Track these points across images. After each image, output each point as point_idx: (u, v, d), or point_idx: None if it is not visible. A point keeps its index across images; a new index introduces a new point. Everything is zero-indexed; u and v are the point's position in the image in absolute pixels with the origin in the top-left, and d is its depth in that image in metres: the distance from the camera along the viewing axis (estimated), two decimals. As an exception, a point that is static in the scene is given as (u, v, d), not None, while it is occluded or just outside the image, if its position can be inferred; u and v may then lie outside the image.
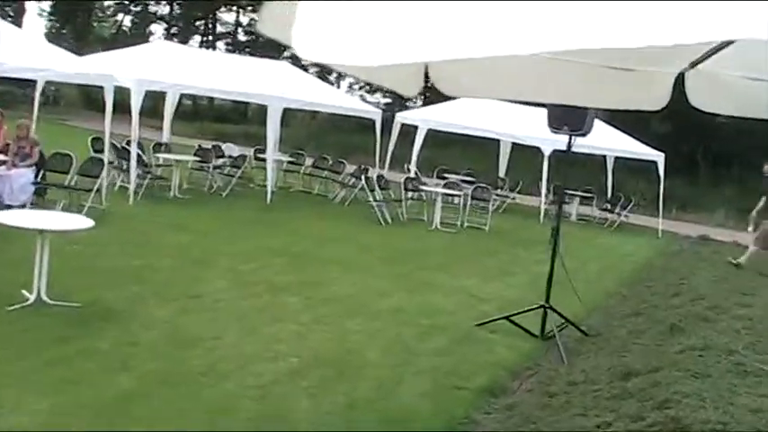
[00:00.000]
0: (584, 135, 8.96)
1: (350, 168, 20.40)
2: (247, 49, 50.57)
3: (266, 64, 21.61)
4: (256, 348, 7.49)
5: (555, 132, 9.11)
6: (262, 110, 26.49)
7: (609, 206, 22.72)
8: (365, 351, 7.92)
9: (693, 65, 4.62)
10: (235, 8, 51.95)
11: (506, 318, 9.20)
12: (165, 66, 17.07)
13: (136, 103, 15.21)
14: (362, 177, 17.53)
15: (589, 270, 14.24)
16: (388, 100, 46.04)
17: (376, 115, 20.55)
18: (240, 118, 46.06)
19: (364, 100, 48.26)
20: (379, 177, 17.81)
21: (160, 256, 10.86)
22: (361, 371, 7.30)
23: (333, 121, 39.76)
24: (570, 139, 9.13)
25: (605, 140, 21.84)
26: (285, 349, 7.57)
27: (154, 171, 17.41)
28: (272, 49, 46.23)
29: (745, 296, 11.53)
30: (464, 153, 30.96)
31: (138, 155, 15.72)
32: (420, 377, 7.33)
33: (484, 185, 18.76)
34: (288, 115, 33.62)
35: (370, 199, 16.75)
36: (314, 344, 7.91)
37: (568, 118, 8.88)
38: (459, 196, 18.48)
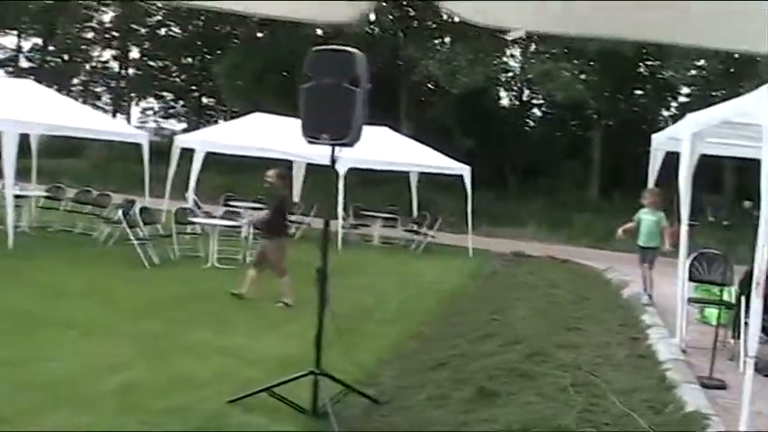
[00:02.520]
0: (349, 145, 6.76)
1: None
2: (32, 77, 46.57)
3: (7, 83, 18.59)
4: None
5: (312, 143, 6.87)
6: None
7: (414, 226, 20.86)
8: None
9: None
10: (15, 32, 47.65)
11: (266, 390, 6.87)
12: None
13: None
14: (121, 212, 14.80)
15: (388, 307, 12.21)
16: (185, 125, 43.18)
17: (142, 139, 17.94)
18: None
19: (159, 126, 45.57)
20: (143, 210, 15.11)
21: None
22: None
23: (121, 149, 36.59)
24: (333, 150, 6.89)
25: (406, 155, 20.19)
26: None
27: None
28: (59, 75, 43.22)
29: (570, 332, 9.60)
30: (257, 177, 28.64)
31: None
32: None
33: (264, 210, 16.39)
34: (77, 144, 31.03)
35: (131, 237, 14.07)
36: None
37: (328, 125, 6.69)
38: (239, 227, 15.97)
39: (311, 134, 6.82)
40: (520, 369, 7.64)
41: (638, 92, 35.76)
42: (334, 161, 7.02)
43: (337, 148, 6.98)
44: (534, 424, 5.96)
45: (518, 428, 5.88)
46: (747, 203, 6.12)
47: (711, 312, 10.03)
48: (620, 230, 12.80)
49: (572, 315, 10.70)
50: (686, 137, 9.06)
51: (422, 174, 23.48)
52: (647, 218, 12.19)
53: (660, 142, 11.73)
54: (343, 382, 7.09)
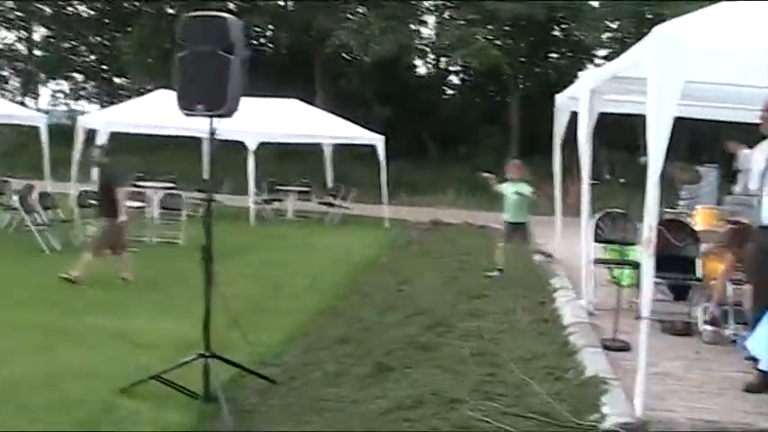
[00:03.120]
0: (226, 116, 6.40)
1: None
2: None
3: None
4: None
5: (189, 115, 6.46)
6: None
7: (329, 199, 20.53)
8: None
9: None
10: None
11: (157, 377, 6.52)
12: None
13: None
14: (18, 198, 14.22)
15: (298, 282, 11.87)
16: (97, 106, 41.99)
17: (39, 121, 17.33)
18: None
19: (70, 108, 44.24)
20: (43, 195, 14.54)
21: None
22: None
23: (30, 134, 35.49)
24: (211, 122, 6.53)
25: (317, 127, 19.85)
26: None
27: None
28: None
29: (476, 300, 9.41)
30: (175, 156, 28.12)
31: None
32: None
33: (175, 191, 15.96)
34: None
35: (29, 223, 13.52)
36: None
37: (203, 96, 6.32)
38: (142, 208, 15.47)
39: (186, 106, 6.44)
40: (420, 342, 7.42)
41: (554, 55, 35.80)
42: (213, 133, 6.61)
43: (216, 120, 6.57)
44: (426, 398, 5.72)
45: (409, 403, 5.63)
46: (643, 159, 5.93)
47: (622, 273, 9.88)
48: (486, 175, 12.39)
49: (480, 282, 10.51)
50: (583, 95, 8.88)
51: (338, 146, 23.21)
52: (510, 191, 11.79)
53: (562, 102, 11.57)
54: (236, 363, 6.77)
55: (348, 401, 6.09)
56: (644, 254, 5.67)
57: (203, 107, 6.38)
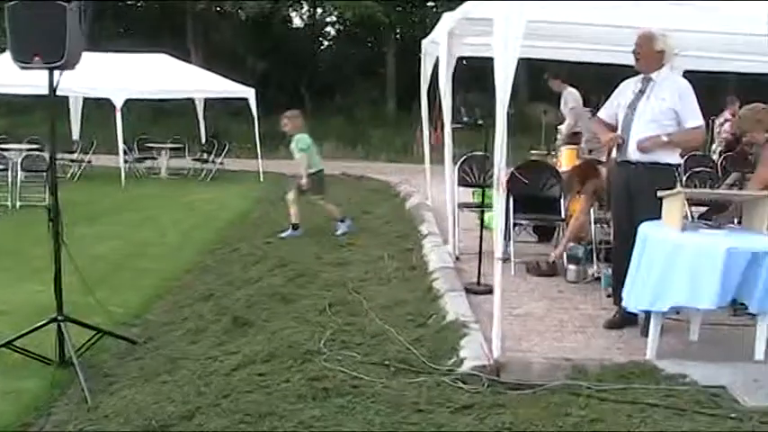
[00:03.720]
0: (66, 67, 6.04)
1: None
2: None
3: None
4: None
5: (24, 68, 6.07)
6: None
7: (204, 155, 20.13)
8: None
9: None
10: None
11: (7, 345, 6.21)
12: None
13: None
14: None
15: (166, 240, 11.59)
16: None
17: None
18: None
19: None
20: None
21: None
22: None
23: None
24: (51, 74, 6.17)
25: (187, 83, 19.38)
26: None
27: None
28: None
29: (342, 249, 9.31)
30: (43, 117, 27.06)
31: None
32: None
33: (36, 152, 15.35)
34: None
35: None
36: None
37: (39, 47, 5.96)
38: (3, 170, 14.84)
39: (21, 58, 6.05)
40: (281, 293, 7.26)
41: (431, 3, 35.74)
42: (54, 88, 6.24)
43: (57, 73, 6.21)
44: (281, 351, 5.59)
45: (263, 357, 5.49)
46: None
47: (491, 216, 9.86)
48: None
49: (349, 232, 10.39)
50: (442, 38, 8.79)
51: (212, 101, 22.75)
52: (291, 147, 11.58)
53: (427, 47, 11.44)
54: (92, 326, 6.49)
55: (204, 358, 5.92)
56: (495, 195, 5.60)
57: (40, 60, 6.00)
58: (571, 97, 11.39)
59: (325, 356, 5.53)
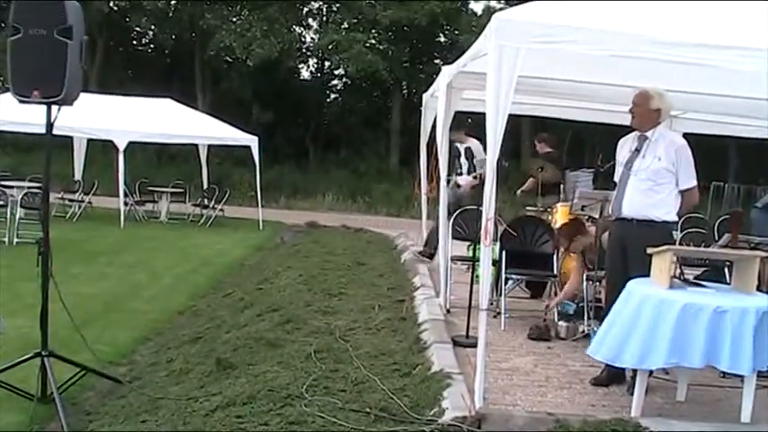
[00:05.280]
0: (65, 103, 6.09)
1: None
2: None
3: None
4: None
5: (23, 101, 6.12)
6: None
7: (204, 201, 20.19)
8: None
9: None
10: None
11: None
12: None
13: None
14: None
15: (160, 282, 11.62)
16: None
17: None
18: None
19: None
20: None
21: None
22: None
23: None
24: (49, 110, 6.20)
25: (191, 128, 19.50)
26: None
27: None
28: None
29: (333, 298, 9.28)
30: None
31: None
32: None
33: (36, 190, 15.38)
34: None
35: None
36: None
37: (39, 81, 6.01)
38: (3, 206, 14.89)
39: (21, 92, 6.10)
40: (268, 338, 7.22)
41: (438, 60, 36.06)
42: (51, 124, 6.27)
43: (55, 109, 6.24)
44: (262, 394, 5.55)
45: (243, 399, 5.46)
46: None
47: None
48: None
49: (341, 281, 10.37)
50: (440, 91, 8.85)
51: (216, 148, 22.86)
52: None
53: (428, 101, 11.52)
54: (77, 362, 6.47)
55: (185, 399, 5.89)
56: (482, 245, 5.60)
57: (39, 94, 6.05)
58: (477, 150, 11.38)
59: (305, 402, 5.49)
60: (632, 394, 5.72)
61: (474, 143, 11.49)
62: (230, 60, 34.54)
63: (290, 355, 6.70)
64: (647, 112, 6.37)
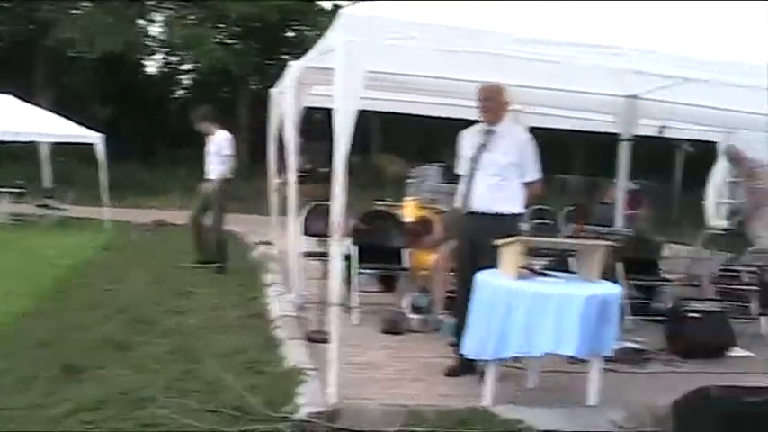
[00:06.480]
0: None
1: None
2: None
3: None
4: None
5: None
6: None
7: (46, 201, 19.48)
8: None
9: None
10: None
11: None
12: None
13: None
14: None
15: (5, 285, 11.06)
16: None
17: None
18: None
19: None
20: None
21: None
22: None
23: None
24: None
25: (30, 125, 18.71)
26: None
27: None
28: None
29: (181, 298, 9.14)
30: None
31: None
32: None
33: None
34: None
35: None
36: None
37: None
38: None
39: None
40: (116, 340, 7.04)
41: (287, 57, 35.90)
42: None
43: None
44: (112, 398, 5.40)
45: (92, 405, 5.30)
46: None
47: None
48: None
49: (190, 280, 10.22)
50: (288, 88, 8.81)
51: (58, 145, 22.02)
52: None
53: (275, 96, 11.41)
54: None
55: (33, 407, 5.66)
56: (333, 241, 5.63)
57: None
58: (227, 143, 11.52)
59: (159, 404, 5.38)
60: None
61: (228, 136, 11.56)
62: (73, 55, 33.48)
63: (141, 358, 6.56)
64: (500, 106, 6.52)
